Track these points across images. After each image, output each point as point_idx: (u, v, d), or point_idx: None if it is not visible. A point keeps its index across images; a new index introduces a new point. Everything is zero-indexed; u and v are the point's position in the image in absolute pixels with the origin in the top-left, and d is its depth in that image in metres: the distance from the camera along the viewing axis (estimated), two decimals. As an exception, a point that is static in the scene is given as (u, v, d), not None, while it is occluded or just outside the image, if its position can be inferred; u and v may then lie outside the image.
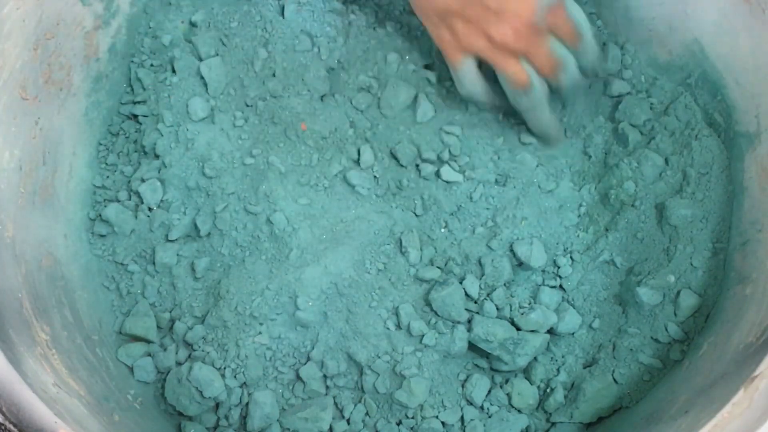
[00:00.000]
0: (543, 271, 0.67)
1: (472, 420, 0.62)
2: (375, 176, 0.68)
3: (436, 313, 0.63)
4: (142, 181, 0.67)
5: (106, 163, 0.69)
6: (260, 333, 0.62)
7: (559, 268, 0.67)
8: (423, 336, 0.62)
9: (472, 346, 0.63)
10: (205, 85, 0.69)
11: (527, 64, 0.61)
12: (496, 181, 0.68)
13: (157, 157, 0.68)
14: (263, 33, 0.71)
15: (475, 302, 0.64)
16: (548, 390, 0.64)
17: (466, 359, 0.64)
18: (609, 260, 0.68)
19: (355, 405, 0.63)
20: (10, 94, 0.56)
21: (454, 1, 0.58)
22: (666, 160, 0.69)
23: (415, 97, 0.70)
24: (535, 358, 0.64)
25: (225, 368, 0.61)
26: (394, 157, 0.69)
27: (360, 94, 0.70)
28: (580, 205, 0.70)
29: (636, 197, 0.68)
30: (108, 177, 0.69)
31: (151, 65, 0.70)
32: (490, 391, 0.64)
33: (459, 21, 0.59)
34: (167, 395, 0.62)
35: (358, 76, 0.71)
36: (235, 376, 0.61)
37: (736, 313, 0.60)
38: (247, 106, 0.70)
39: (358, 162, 0.68)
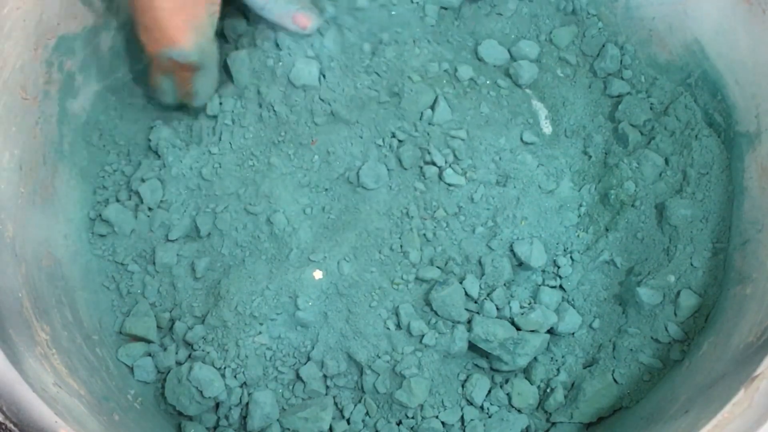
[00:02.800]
0: (543, 271, 0.67)
1: (472, 420, 0.62)
2: (377, 176, 0.68)
3: (436, 313, 0.63)
4: (142, 181, 0.67)
5: (107, 163, 0.69)
6: (260, 333, 0.62)
7: (559, 268, 0.67)
8: (423, 336, 0.62)
9: (472, 346, 0.63)
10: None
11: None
12: (497, 181, 0.68)
13: (157, 157, 0.68)
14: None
15: (475, 302, 0.64)
16: (548, 390, 0.64)
17: (466, 359, 0.64)
18: (609, 260, 0.68)
19: (355, 405, 0.63)
20: (10, 94, 0.56)
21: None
22: (666, 160, 0.69)
23: (436, 100, 0.70)
24: (535, 358, 0.64)
25: (225, 368, 0.61)
26: (397, 158, 0.69)
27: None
28: (580, 205, 0.70)
29: (636, 197, 0.68)
30: (108, 177, 0.69)
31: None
32: (490, 391, 0.64)
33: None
34: (167, 395, 0.62)
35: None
36: (235, 376, 0.61)
37: (736, 313, 0.60)
38: (251, 109, 0.70)
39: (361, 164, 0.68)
